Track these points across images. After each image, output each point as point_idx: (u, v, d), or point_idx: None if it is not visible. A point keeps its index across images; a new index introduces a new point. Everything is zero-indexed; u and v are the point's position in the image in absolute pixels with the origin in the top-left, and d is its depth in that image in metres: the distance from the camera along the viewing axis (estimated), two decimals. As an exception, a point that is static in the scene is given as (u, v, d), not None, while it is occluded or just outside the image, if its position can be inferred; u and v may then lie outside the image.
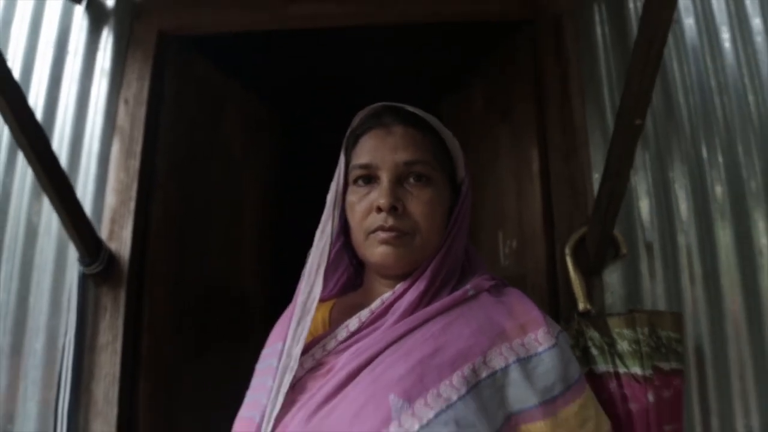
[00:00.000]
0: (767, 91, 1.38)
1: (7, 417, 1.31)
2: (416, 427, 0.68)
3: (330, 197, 0.89)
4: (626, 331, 1.02)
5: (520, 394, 0.75)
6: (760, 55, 1.39)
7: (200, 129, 1.64)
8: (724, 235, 1.29)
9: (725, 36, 1.41)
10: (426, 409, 0.70)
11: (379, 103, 0.91)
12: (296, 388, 0.79)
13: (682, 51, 1.40)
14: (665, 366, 1.06)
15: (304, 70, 2.10)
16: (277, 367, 0.80)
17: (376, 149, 0.85)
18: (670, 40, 1.41)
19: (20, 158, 1.43)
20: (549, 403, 0.76)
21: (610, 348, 1.02)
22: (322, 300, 0.86)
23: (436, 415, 0.70)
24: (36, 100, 1.48)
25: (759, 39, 1.41)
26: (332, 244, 0.87)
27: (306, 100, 2.36)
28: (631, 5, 1.41)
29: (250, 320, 1.79)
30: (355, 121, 0.91)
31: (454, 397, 0.71)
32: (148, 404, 1.34)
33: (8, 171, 1.44)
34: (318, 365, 0.81)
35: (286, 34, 1.62)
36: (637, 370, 1.01)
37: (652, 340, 1.06)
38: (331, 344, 0.82)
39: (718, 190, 1.32)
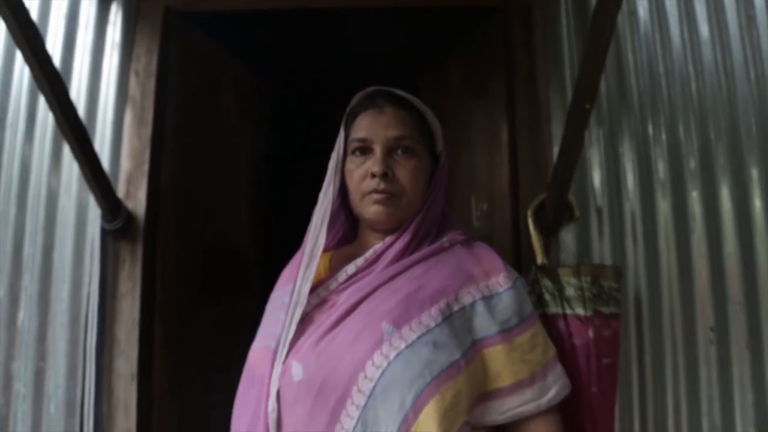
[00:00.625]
0: (708, 77, 1.58)
1: (39, 355, 1.49)
2: (402, 346, 0.89)
3: (331, 165, 1.06)
4: (573, 280, 1.23)
5: (483, 325, 0.96)
6: (704, 45, 1.59)
7: (201, 99, 1.79)
8: (664, 203, 1.51)
9: (674, 27, 1.60)
10: (411, 333, 0.90)
11: (373, 87, 1.08)
12: (305, 320, 0.98)
13: (636, 40, 1.59)
14: (605, 310, 1.28)
15: (293, 46, 2.24)
16: (290, 303, 0.99)
17: (370, 126, 1.03)
18: (626, 29, 1.60)
19: (38, 129, 1.58)
20: (506, 332, 0.97)
21: (560, 294, 1.23)
22: (324, 251, 1.04)
23: (418, 338, 0.90)
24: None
25: (704, 30, 1.60)
26: (333, 204, 1.05)
27: (293, 72, 2.50)
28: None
29: (245, 272, 1.98)
30: (353, 101, 1.09)
31: (432, 324, 0.92)
32: (162, 345, 1.52)
33: (27, 141, 1.58)
34: (322, 302, 1.00)
35: (277, 14, 1.76)
36: (580, 311, 1.22)
37: (595, 288, 1.27)
38: (333, 285, 1.01)
39: (660, 164, 1.52)
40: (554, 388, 0.99)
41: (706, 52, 1.58)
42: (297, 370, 0.91)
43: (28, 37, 1.12)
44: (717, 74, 1.57)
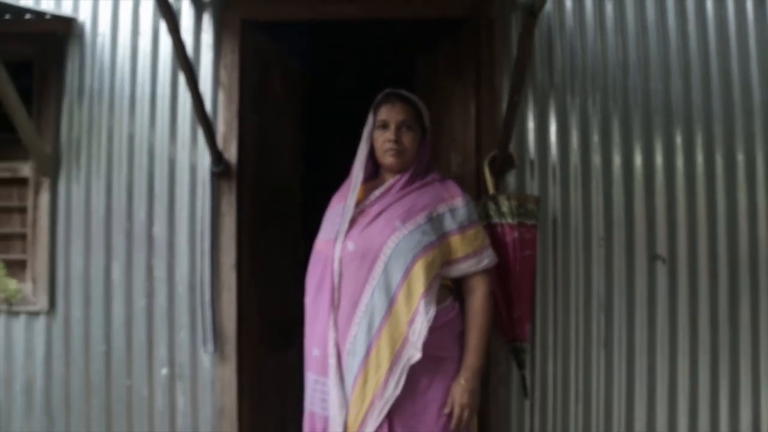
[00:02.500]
0: (615, 67, 2.34)
1: (170, 255, 2.31)
2: (406, 233, 1.70)
3: (365, 134, 1.85)
4: (507, 203, 2.05)
5: (448, 224, 1.77)
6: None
7: (262, 82, 2.54)
8: (574, 157, 2.31)
9: (590, 22, 2.34)
10: (410, 226, 1.72)
11: (389, 89, 1.86)
12: (352, 222, 1.79)
13: (563, 36, 2.34)
14: (527, 222, 2.10)
15: (325, 39, 2.99)
16: (343, 212, 1.80)
17: (388, 113, 1.82)
18: (557, 23, 2.33)
19: (160, 112, 2.35)
20: (461, 228, 1.78)
21: (498, 210, 2.05)
22: (361, 183, 1.84)
23: (414, 229, 1.72)
24: (164, 66, 2.37)
25: (610, 24, 2.36)
26: (366, 156, 1.84)
27: (324, 58, 3.26)
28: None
29: (291, 202, 2.80)
30: (378, 97, 1.86)
31: (421, 222, 1.73)
32: (247, 246, 2.35)
33: (152, 123, 2.36)
34: (361, 211, 1.80)
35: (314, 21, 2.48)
36: (511, 221, 2.04)
37: (522, 209, 2.09)
38: (367, 202, 1.81)
39: (573, 130, 2.32)
40: (486, 260, 1.81)
41: (611, 40, 2.35)
42: (350, 245, 1.74)
43: (177, 42, 1.88)
44: (623, 62, 2.35)
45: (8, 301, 2.28)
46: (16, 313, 2.36)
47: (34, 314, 2.37)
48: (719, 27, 2.42)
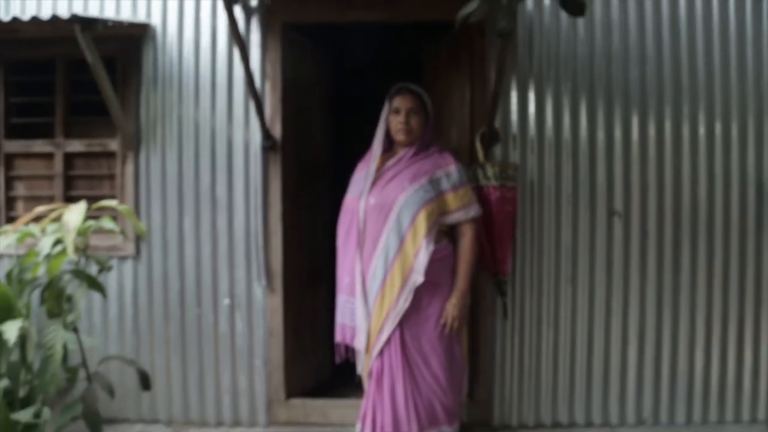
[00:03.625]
0: (584, 54, 2.90)
1: (230, 214, 2.95)
2: (412, 191, 2.33)
3: (382, 117, 2.46)
4: (491, 169, 2.65)
5: (444, 185, 2.39)
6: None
7: (298, 73, 3.13)
8: (549, 132, 2.89)
9: (564, 19, 2.90)
10: (416, 185, 2.34)
11: (400, 83, 2.45)
12: (373, 183, 2.41)
13: (542, 29, 2.90)
14: (508, 184, 2.70)
15: (349, 36, 3.57)
16: (366, 176, 2.42)
17: (400, 102, 2.42)
18: (537, 20, 2.89)
19: (219, 98, 2.96)
20: (454, 188, 2.40)
21: (485, 175, 2.65)
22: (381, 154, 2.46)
23: (418, 188, 2.34)
24: (221, 60, 2.97)
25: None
26: (383, 134, 2.46)
27: (348, 51, 3.86)
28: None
29: (322, 172, 3.42)
30: (392, 90, 2.46)
31: (424, 183, 2.35)
32: (289, 205, 2.98)
33: (212, 107, 2.97)
34: (380, 176, 2.42)
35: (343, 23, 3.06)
36: (495, 183, 2.64)
37: (504, 173, 2.68)
38: (384, 169, 2.43)
39: (548, 110, 2.89)
40: (473, 212, 2.42)
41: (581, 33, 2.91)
42: (372, 200, 2.37)
43: (238, 39, 2.49)
44: (590, 53, 2.91)
45: (140, 237, 2.93)
46: (110, 258, 3.02)
47: (123, 258, 3.04)
48: (672, 24, 2.96)
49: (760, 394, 3.01)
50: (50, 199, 3.10)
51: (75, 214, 2.06)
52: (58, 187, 3.11)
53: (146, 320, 3.05)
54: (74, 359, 2.58)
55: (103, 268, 2.32)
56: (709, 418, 3.01)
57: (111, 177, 3.10)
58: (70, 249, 1.99)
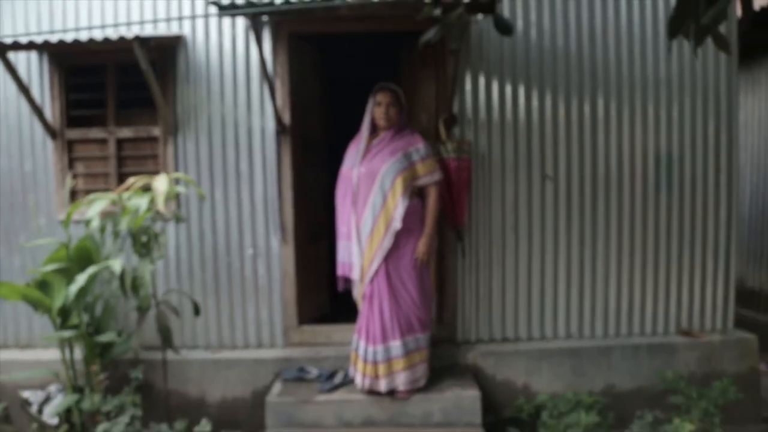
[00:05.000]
0: (532, 46, 3.78)
1: (251, 183, 3.81)
2: (391, 162, 3.24)
3: (367, 109, 3.35)
4: (450, 145, 3.54)
5: (414, 157, 3.30)
6: (533, 30, 3.77)
7: (301, 71, 3.97)
8: (495, 114, 3.78)
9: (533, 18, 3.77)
10: (394, 158, 3.25)
11: (381, 83, 3.32)
12: (362, 158, 3.29)
13: (491, 34, 3.76)
14: (464, 156, 3.60)
15: (340, 42, 4.39)
16: (357, 153, 3.31)
17: (381, 97, 3.31)
18: (486, 23, 3.75)
19: (240, 93, 3.78)
20: (422, 160, 3.32)
21: (446, 149, 3.55)
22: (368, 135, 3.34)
23: (396, 160, 3.25)
24: (241, 62, 3.79)
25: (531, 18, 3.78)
26: (369, 121, 3.33)
27: (341, 53, 4.68)
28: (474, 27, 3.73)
29: (319, 150, 4.28)
30: (375, 88, 3.33)
31: (400, 156, 3.26)
32: (297, 177, 3.85)
33: (234, 100, 3.79)
34: (367, 152, 3.32)
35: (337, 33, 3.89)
36: (453, 156, 3.54)
37: (460, 148, 3.58)
38: (370, 146, 3.33)
39: (495, 97, 3.77)
40: (436, 176, 3.33)
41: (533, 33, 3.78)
42: (362, 169, 3.27)
43: (260, 54, 3.32)
44: (526, 49, 3.77)
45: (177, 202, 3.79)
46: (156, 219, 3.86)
47: (167, 220, 3.88)
48: (590, 29, 3.84)
49: (658, 314, 3.98)
50: (105, 177, 3.93)
51: (163, 182, 2.91)
52: (111, 166, 3.93)
53: (187, 268, 3.91)
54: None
55: (180, 220, 3.22)
56: (620, 332, 3.98)
57: (154, 157, 3.93)
58: (162, 206, 2.83)
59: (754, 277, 5.97)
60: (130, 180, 3.12)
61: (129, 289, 3.10)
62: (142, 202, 2.87)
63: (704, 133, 3.92)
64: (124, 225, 2.90)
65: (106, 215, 3.20)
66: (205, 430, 3.34)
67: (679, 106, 3.89)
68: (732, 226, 3.97)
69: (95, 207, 2.95)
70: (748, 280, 6.02)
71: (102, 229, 3.00)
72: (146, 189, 3.17)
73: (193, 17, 3.78)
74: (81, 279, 2.91)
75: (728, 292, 4.01)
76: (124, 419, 3.09)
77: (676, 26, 2.30)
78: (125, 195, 3.03)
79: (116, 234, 3.03)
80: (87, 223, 2.94)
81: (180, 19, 3.79)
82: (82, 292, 3.03)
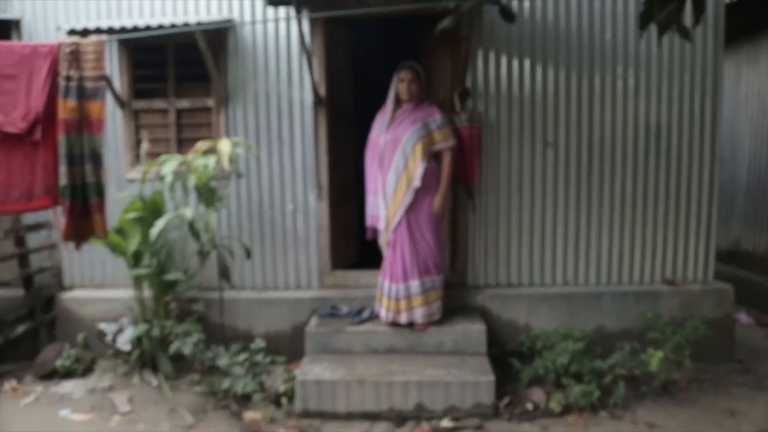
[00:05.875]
0: (537, 27, 4.30)
1: (291, 145, 4.43)
2: (412, 130, 3.85)
3: (393, 84, 3.95)
4: (463, 115, 4.12)
5: (432, 126, 3.90)
6: (538, 13, 4.29)
7: (333, 49, 4.54)
8: (503, 88, 4.32)
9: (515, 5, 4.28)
10: (414, 127, 3.87)
11: (404, 62, 3.91)
12: (388, 126, 3.90)
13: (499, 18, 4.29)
14: (475, 125, 4.17)
15: (366, 22, 4.94)
16: (383, 123, 3.92)
17: (404, 74, 3.92)
18: (495, 15, 4.28)
19: (282, 69, 4.38)
20: (438, 128, 3.93)
21: (460, 119, 4.13)
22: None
23: (417, 128, 3.87)
24: (283, 43, 4.38)
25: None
26: (394, 95, 3.92)
27: (367, 33, 5.24)
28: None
29: (349, 115, 4.88)
30: (398, 67, 3.92)
31: (420, 125, 3.88)
32: (331, 141, 4.46)
33: (277, 76, 4.39)
34: (392, 121, 3.93)
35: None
36: (466, 124, 4.12)
37: (472, 118, 4.14)
38: (394, 117, 3.94)
39: (503, 72, 4.32)
40: (450, 142, 3.93)
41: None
42: (388, 136, 3.90)
43: (300, 35, 3.91)
44: (532, 31, 4.30)
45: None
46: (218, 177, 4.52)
47: (228, 177, 4.53)
48: (589, 12, 4.33)
49: (645, 265, 4.55)
50: (166, 141, 4.59)
51: (227, 145, 3.55)
52: (171, 133, 4.58)
53: (236, 221, 4.58)
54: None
55: (239, 175, 3.90)
56: (611, 280, 4.56)
57: (208, 125, 4.56)
58: (227, 164, 3.49)
59: (749, 240, 6.45)
60: (199, 144, 3.76)
61: (196, 234, 3.77)
62: (209, 161, 3.51)
63: (690, 106, 4.42)
64: (192, 181, 3.55)
65: (175, 173, 3.86)
66: (260, 346, 4.04)
67: (669, 81, 4.39)
68: (713, 189, 4.49)
69: (168, 166, 3.60)
70: (743, 243, 6.52)
71: (172, 185, 3.65)
72: (208, 152, 3.81)
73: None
74: (160, 223, 3.59)
75: (709, 247, 4.55)
76: (192, 339, 3.80)
77: (645, 20, 2.86)
78: (190, 156, 3.67)
79: (185, 188, 3.69)
80: (161, 178, 3.60)
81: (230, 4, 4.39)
82: (159, 234, 3.70)
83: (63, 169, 3.09)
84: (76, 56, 2.94)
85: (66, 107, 3.06)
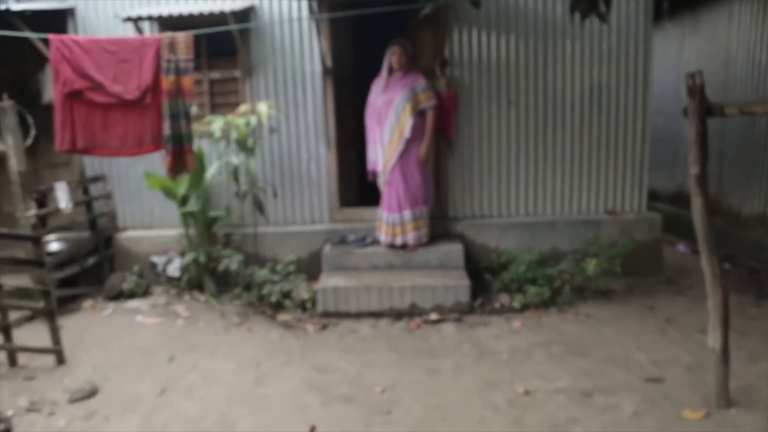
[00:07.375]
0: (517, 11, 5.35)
1: (303, 108, 5.50)
2: (402, 93, 4.95)
3: (386, 56, 5.01)
4: (442, 80, 5.21)
5: (418, 90, 5.00)
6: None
7: (337, 27, 5.55)
8: (474, 57, 5.38)
9: None
10: (404, 90, 4.98)
11: (395, 38, 4.96)
12: (383, 90, 4.98)
13: (470, 8, 5.33)
14: (452, 88, 5.26)
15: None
16: (379, 87, 4.99)
17: (395, 48, 4.99)
18: None
19: (296, 45, 5.40)
20: (423, 91, 5.03)
21: (439, 83, 5.20)
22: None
23: (406, 91, 4.97)
24: (297, 23, 5.39)
25: None
26: (388, 65, 4.99)
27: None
28: None
29: (350, 82, 5.93)
30: (390, 42, 4.98)
31: (408, 89, 4.97)
32: (336, 105, 5.52)
33: (291, 51, 5.42)
34: (386, 86, 5.02)
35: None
36: (444, 88, 5.20)
37: (449, 83, 5.22)
38: (388, 82, 5.02)
39: (475, 45, 5.37)
40: (432, 101, 5.04)
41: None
42: (384, 98, 5.00)
43: (314, 18, 4.94)
44: (505, 7, 5.34)
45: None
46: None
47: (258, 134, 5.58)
48: (544, -5, 5.38)
49: (591, 199, 5.70)
50: (201, 106, 5.62)
51: (264, 107, 4.61)
52: (206, 99, 5.61)
53: (262, 169, 5.65)
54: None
55: (272, 130, 4.99)
56: (564, 211, 5.71)
57: (236, 92, 5.60)
58: (265, 121, 4.55)
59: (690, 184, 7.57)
60: (241, 106, 4.82)
61: (236, 178, 4.86)
62: (251, 119, 4.57)
63: (626, 68, 5.49)
64: (235, 135, 4.62)
65: (222, 130, 4.93)
66: (291, 259, 5.19)
67: (608, 49, 5.45)
68: (645, 137, 5.60)
69: (216, 124, 4.66)
70: (685, 187, 7.65)
71: (218, 139, 4.70)
72: (243, 114, 4.88)
73: (261, -9, 5.35)
74: (212, 169, 4.68)
75: (642, 184, 5.68)
76: (238, 257, 4.93)
77: (572, 7, 3.94)
78: (231, 117, 4.74)
79: (228, 142, 4.76)
80: (211, 134, 4.67)
81: (252, -8, 5.39)
82: (209, 178, 4.79)
83: (167, 124, 4.25)
84: (172, 45, 4.00)
85: (167, 81, 4.23)
